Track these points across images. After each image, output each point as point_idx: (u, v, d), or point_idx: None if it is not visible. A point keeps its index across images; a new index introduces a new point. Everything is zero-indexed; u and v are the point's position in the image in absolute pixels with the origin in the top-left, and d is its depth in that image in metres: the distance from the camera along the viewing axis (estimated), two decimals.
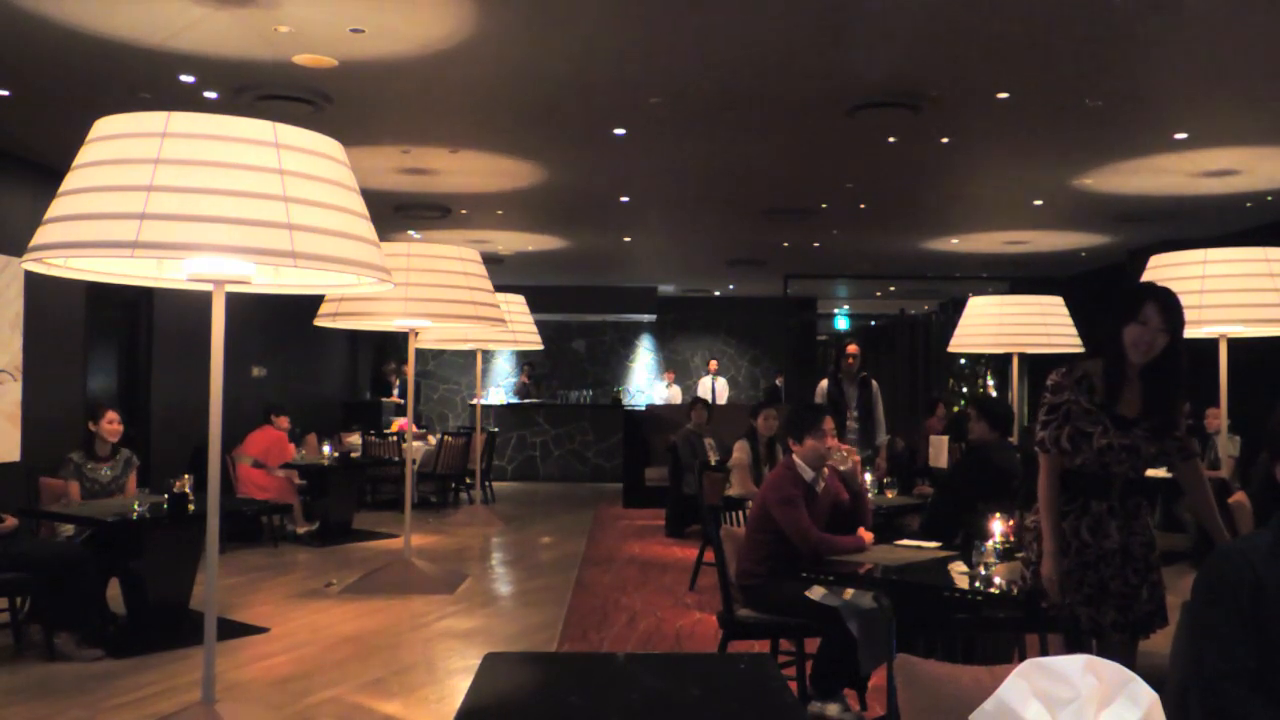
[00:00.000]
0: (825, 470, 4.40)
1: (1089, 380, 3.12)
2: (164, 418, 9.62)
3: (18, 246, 4.09)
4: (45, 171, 7.95)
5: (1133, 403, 3.09)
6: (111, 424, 5.94)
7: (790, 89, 6.55)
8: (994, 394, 15.30)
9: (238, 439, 9.06)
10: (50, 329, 8.17)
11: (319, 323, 6.20)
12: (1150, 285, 3.16)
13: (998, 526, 3.89)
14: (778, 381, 16.53)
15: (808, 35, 5.64)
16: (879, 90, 6.52)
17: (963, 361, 16.75)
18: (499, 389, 17.11)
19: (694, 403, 10.19)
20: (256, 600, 6.52)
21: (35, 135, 7.55)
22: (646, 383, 17.82)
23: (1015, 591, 3.34)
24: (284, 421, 9.29)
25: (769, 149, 8.08)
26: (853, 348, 7.55)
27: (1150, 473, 6.51)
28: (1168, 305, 3.04)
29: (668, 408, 13.85)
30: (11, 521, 5.17)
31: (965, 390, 16.96)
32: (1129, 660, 3.03)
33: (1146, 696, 1.51)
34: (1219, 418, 5.87)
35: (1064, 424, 3.10)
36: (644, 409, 13.71)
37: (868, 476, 6.42)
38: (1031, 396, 13.38)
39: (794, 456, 4.37)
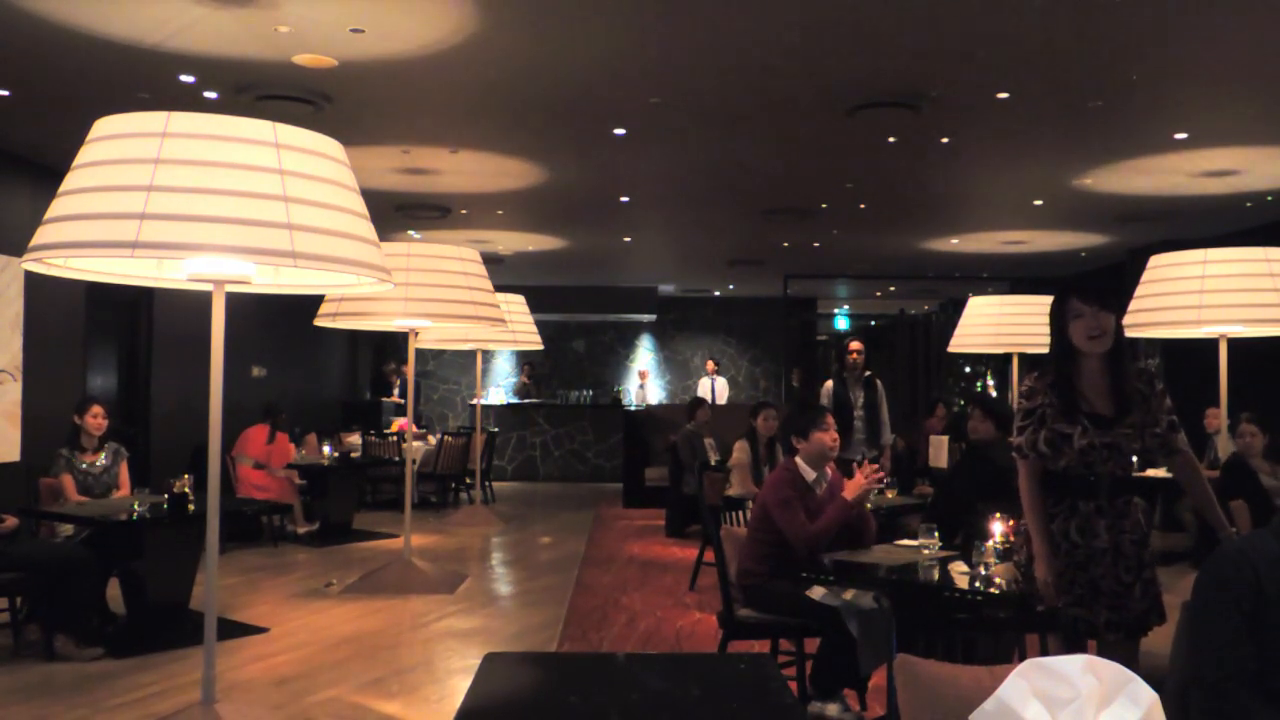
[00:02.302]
0: (828, 470, 4.39)
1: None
2: (164, 418, 9.62)
3: (18, 246, 4.09)
4: (45, 171, 7.95)
5: (1108, 401, 3.10)
6: (96, 418, 5.96)
7: (790, 89, 6.55)
8: (994, 394, 15.30)
9: (237, 439, 9.06)
10: (50, 329, 8.17)
11: (319, 323, 6.20)
12: (1066, 283, 3.23)
13: (998, 526, 3.89)
14: (794, 383, 16.56)
15: (808, 35, 5.64)
16: (879, 90, 6.52)
17: (962, 362, 16.76)
18: (499, 389, 17.11)
19: (696, 403, 10.19)
20: (256, 600, 6.52)
21: (35, 135, 7.55)
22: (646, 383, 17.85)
23: (1015, 591, 3.34)
24: (282, 420, 9.29)
25: (769, 149, 8.08)
26: (856, 345, 7.53)
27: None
28: (1085, 290, 3.12)
29: (666, 408, 13.84)
30: (12, 521, 5.17)
31: (964, 388, 16.97)
32: (1130, 660, 3.03)
33: (1146, 696, 1.51)
34: (1219, 418, 5.87)
35: (1040, 427, 3.11)
36: (644, 409, 13.71)
37: None
38: None
39: (796, 457, 4.37)
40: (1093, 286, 3.14)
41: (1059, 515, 3.12)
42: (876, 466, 4.18)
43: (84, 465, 5.98)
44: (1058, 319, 3.14)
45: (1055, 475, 3.12)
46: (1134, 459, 3.15)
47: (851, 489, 4.13)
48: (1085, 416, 3.07)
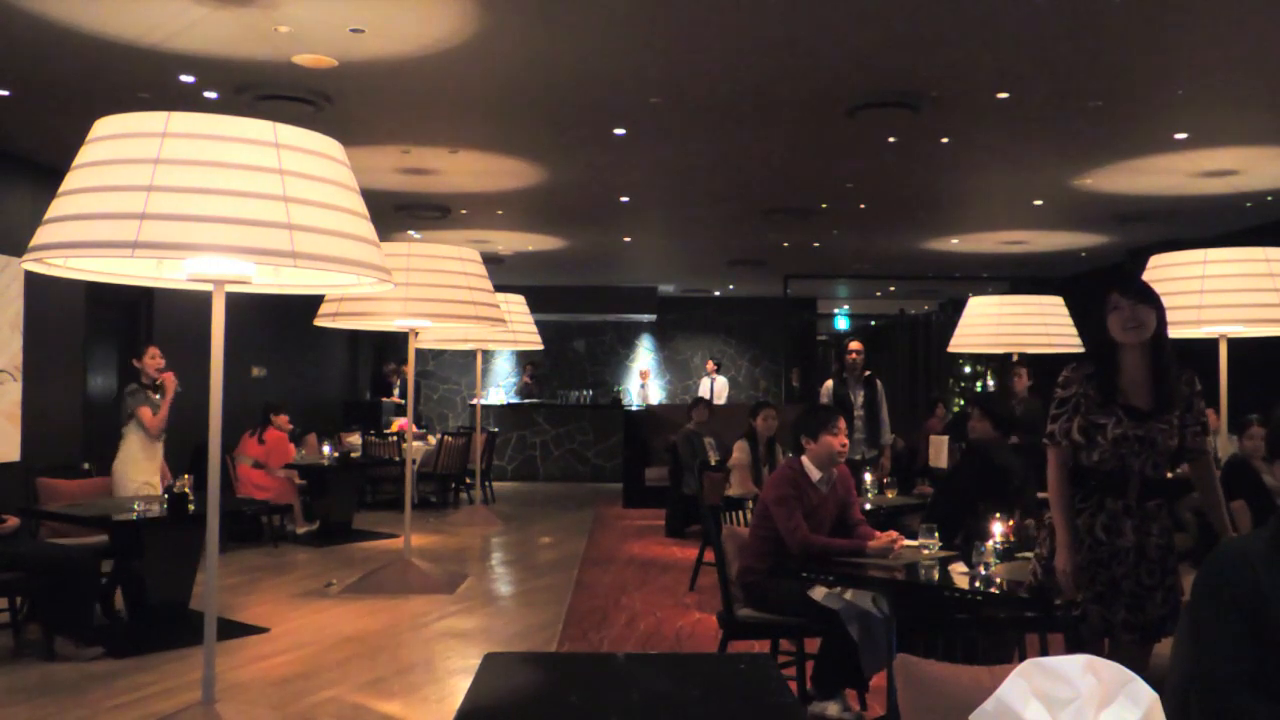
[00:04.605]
0: (834, 471, 4.39)
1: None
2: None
3: (18, 246, 4.09)
4: (45, 171, 7.95)
5: (1146, 396, 3.10)
6: (154, 359, 6.38)
7: (790, 89, 6.55)
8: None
9: (238, 439, 9.06)
10: (50, 329, 8.16)
11: (319, 323, 6.20)
12: (1109, 277, 3.26)
13: (998, 527, 3.89)
14: (794, 382, 16.58)
15: (808, 35, 5.64)
16: (879, 90, 6.52)
17: (962, 362, 16.76)
18: (499, 389, 17.11)
19: (695, 403, 10.20)
20: (256, 600, 6.52)
21: (35, 135, 7.55)
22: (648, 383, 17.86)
23: (1016, 592, 3.34)
24: (283, 421, 9.29)
25: (769, 149, 8.08)
26: (855, 345, 7.54)
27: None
28: (1126, 283, 3.16)
29: (666, 407, 13.84)
30: (13, 521, 5.17)
31: (964, 386, 16.96)
32: (1141, 663, 3.02)
33: (1146, 696, 1.51)
34: (1217, 418, 5.86)
35: (1074, 416, 3.13)
36: (644, 409, 13.70)
37: (868, 477, 6.42)
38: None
39: (803, 456, 4.37)
40: (1133, 281, 3.18)
41: (1086, 511, 3.13)
42: (903, 539, 4.10)
43: (156, 398, 6.37)
44: (1101, 311, 3.16)
45: (1086, 470, 3.13)
46: (1166, 458, 3.15)
47: (876, 542, 4.07)
48: (1121, 408, 3.08)
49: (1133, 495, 3.09)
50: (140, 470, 6.30)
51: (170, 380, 6.40)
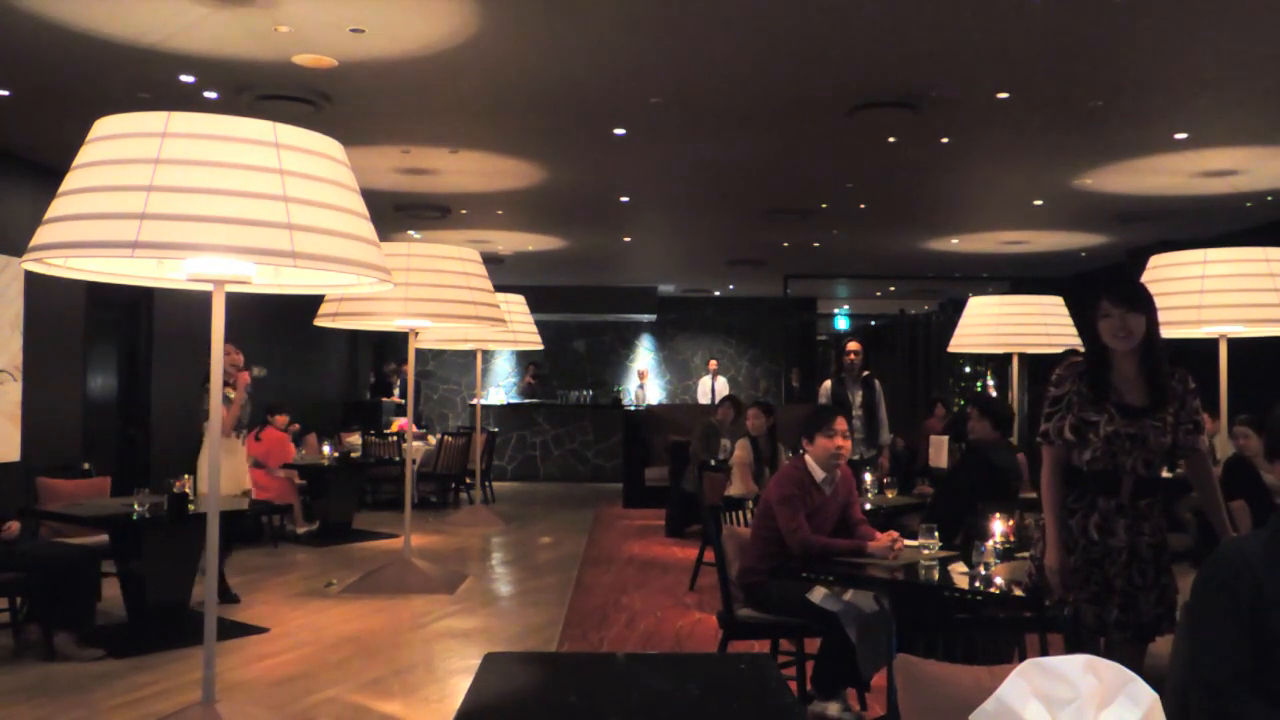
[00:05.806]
0: (838, 472, 4.39)
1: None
2: (164, 418, 9.62)
3: (18, 246, 4.09)
4: (45, 171, 7.95)
5: (1139, 394, 3.10)
6: (228, 354, 6.30)
7: (790, 89, 6.55)
8: (994, 394, 15.30)
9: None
10: (50, 329, 8.17)
11: (319, 323, 6.20)
12: (1104, 282, 3.24)
13: (998, 526, 3.89)
14: (794, 382, 16.58)
15: (808, 35, 5.65)
16: (879, 90, 6.52)
17: (962, 362, 16.76)
18: (499, 389, 17.11)
19: (724, 400, 10.17)
20: (256, 600, 6.52)
21: (35, 135, 7.55)
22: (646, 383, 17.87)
23: (1016, 591, 3.34)
24: (282, 421, 9.30)
25: (769, 149, 8.08)
26: (853, 345, 7.54)
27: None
28: (1116, 292, 3.13)
29: (666, 407, 13.83)
30: (14, 526, 5.17)
31: (964, 386, 16.96)
32: (1135, 662, 3.02)
33: (1146, 696, 1.51)
34: (1214, 421, 5.86)
35: (1067, 414, 3.12)
36: (643, 409, 13.71)
37: (868, 477, 6.42)
38: (1032, 397, 13.39)
39: (806, 456, 4.37)
40: (1123, 290, 3.15)
41: (1079, 511, 3.13)
42: (903, 540, 4.08)
43: (230, 397, 6.36)
44: (1092, 316, 3.16)
45: (1079, 471, 3.13)
46: (1160, 457, 3.15)
47: (877, 542, 4.06)
48: (1113, 406, 3.08)
49: (1125, 494, 3.09)
50: (223, 466, 6.33)
51: (244, 379, 6.46)
